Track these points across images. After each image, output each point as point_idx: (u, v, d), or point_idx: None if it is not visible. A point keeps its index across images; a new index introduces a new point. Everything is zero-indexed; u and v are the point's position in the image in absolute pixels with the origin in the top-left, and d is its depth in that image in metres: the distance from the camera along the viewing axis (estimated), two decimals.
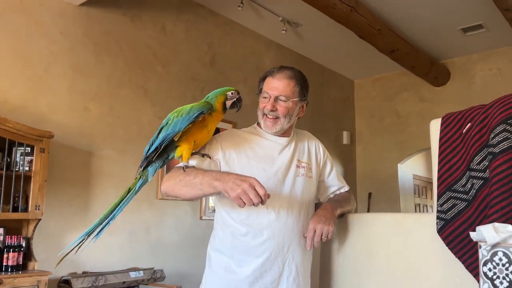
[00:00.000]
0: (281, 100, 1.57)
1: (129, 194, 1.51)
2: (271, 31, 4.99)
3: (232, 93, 1.57)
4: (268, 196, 1.31)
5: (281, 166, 1.59)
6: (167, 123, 1.49)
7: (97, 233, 1.49)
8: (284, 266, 1.52)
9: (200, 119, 1.47)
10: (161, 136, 1.48)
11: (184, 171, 1.45)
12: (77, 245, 1.48)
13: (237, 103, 1.58)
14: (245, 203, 1.29)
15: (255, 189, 1.28)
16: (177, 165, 1.53)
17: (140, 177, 1.53)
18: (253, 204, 1.29)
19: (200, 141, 1.54)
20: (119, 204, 1.50)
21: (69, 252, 1.48)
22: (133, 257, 3.61)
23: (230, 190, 1.31)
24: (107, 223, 1.49)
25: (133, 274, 3.37)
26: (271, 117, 1.58)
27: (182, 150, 1.48)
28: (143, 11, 3.97)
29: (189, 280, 3.77)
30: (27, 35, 3.22)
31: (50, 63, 3.31)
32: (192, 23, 4.39)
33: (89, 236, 1.49)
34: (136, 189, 1.52)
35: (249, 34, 5.00)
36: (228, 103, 1.57)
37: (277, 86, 1.57)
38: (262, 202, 1.29)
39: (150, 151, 1.49)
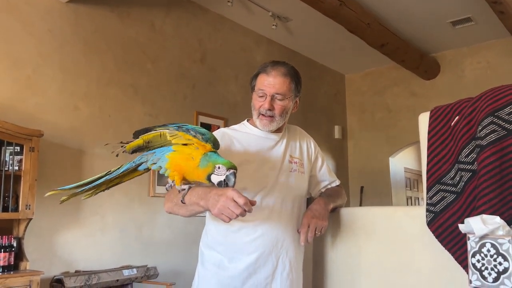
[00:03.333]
0: (277, 98, 1.55)
1: (117, 169, 1.52)
2: (261, 26, 4.98)
3: (219, 168, 1.32)
4: (253, 203, 1.26)
5: (275, 163, 1.59)
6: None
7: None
8: (278, 262, 1.52)
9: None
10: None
11: (180, 192, 1.42)
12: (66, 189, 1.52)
13: (226, 182, 1.31)
14: (230, 218, 1.24)
15: (234, 201, 1.24)
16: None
17: (139, 161, 1.48)
18: (237, 216, 1.23)
19: (189, 175, 1.41)
20: (106, 174, 1.52)
21: (56, 191, 1.59)
22: (125, 255, 3.60)
23: (211, 207, 1.27)
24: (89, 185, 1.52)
25: (126, 272, 3.37)
26: (267, 115, 1.57)
27: (174, 175, 1.39)
28: (132, 7, 3.94)
29: (183, 277, 3.77)
30: (14, 34, 3.18)
31: (38, 63, 3.28)
32: (182, 20, 4.37)
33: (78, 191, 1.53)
34: (127, 165, 1.48)
35: (239, 30, 4.98)
36: (214, 178, 1.32)
37: (273, 84, 1.54)
38: (248, 211, 1.23)
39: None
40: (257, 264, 1.50)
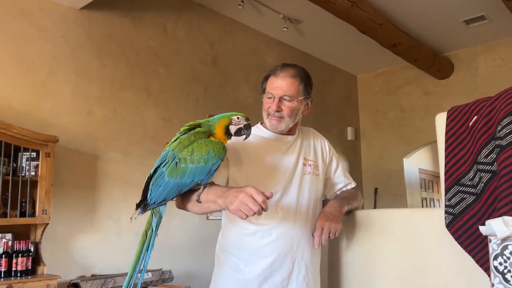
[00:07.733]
0: (285, 100, 1.55)
1: (148, 237, 1.44)
2: (272, 28, 4.98)
3: (238, 118, 1.43)
4: (269, 196, 1.24)
5: (288, 165, 1.58)
6: (175, 162, 1.36)
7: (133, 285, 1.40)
8: (293, 265, 1.52)
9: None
10: (172, 182, 1.37)
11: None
12: None
13: (244, 130, 1.44)
14: (247, 215, 1.23)
15: (253, 197, 1.22)
16: None
17: (153, 215, 1.43)
18: (254, 214, 1.22)
19: None
20: (141, 251, 1.44)
21: None
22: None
23: (229, 204, 1.26)
24: (138, 272, 1.42)
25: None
26: (276, 116, 1.57)
27: None
28: (144, 12, 3.97)
29: (198, 281, 3.78)
30: (29, 40, 3.23)
31: (52, 68, 3.32)
32: (193, 23, 4.38)
33: None
34: (154, 229, 1.43)
35: (250, 32, 4.99)
36: (232, 128, 1.44)
37: (281, 86, 1.55)
38: (264, 209, 1.22)
39: (159, 198, 1.38)
40: (273, 267, 1.49)
